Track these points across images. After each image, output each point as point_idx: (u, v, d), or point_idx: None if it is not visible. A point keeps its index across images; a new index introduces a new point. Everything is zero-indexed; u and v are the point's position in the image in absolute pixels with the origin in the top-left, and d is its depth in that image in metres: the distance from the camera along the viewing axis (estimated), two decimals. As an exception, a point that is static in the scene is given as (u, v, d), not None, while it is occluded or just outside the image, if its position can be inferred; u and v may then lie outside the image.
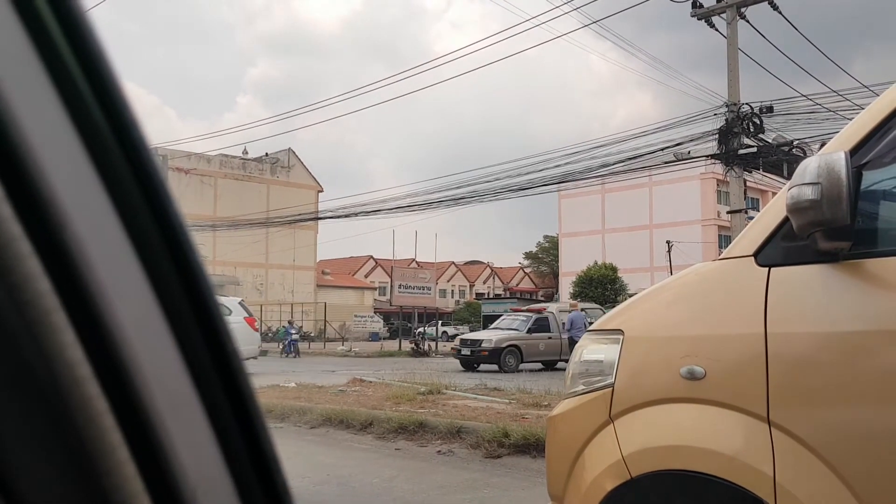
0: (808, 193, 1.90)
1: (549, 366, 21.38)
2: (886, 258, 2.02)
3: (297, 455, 7.00)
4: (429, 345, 33.64)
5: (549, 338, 21.41)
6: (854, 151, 2.02)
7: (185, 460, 0.53)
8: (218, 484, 0.57)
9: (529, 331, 21.26)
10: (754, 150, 16.17)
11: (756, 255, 2.20)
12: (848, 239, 1.95)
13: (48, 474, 0.49)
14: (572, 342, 18.85)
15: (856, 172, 1.96)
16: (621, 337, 2.49)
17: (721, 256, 2.39)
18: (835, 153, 1.93)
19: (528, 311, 23.72)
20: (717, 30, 16.29)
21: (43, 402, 0.47)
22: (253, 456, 0.60)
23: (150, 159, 0.55)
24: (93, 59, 0.52)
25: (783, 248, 2.15)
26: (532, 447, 6.82)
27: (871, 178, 2.12)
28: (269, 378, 14.57)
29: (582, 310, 21.65)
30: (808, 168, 1.94)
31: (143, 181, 0.55)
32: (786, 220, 2.09)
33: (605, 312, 24.88)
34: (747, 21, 16.07)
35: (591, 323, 19.57)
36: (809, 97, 16.50)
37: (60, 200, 0.48)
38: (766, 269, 2.16)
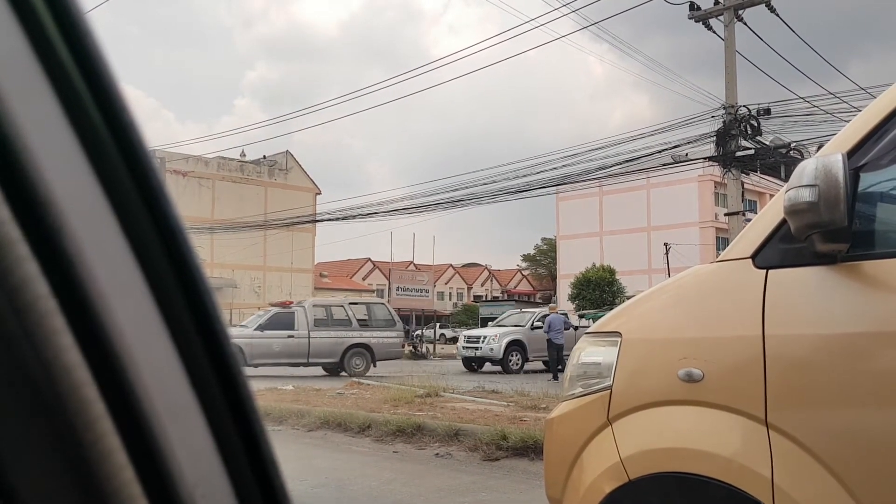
0: (806, 195, 1.90)
1: (333, 372, 18.72)
2: (884, 260, 2.02)
3: (295, 458, 6.99)
4: (426, 347, 33.66)
5: (290, 336, 18.43)
6: (851, 153, 2.02)
7: (184, 463, 0.53)
8: (216, 487, 0.57)
9: (260, 328, 18.41)
10: (752, 152, 16.20)
11: (754, 257, 2.20)
12: (845, 241, 1.96)
13: (46, 478, 0.48)
14: (551, 344, 18.93)
15: (853, 174, 1.96)
16: (619, 339, 2.49)
17: (719, 258, 2.39)
18: (832, 155, 1.94)
19: (278, 304, 20.89)
20: (714, 32, 16.34)
21: (40, 405, 0.47)
22: (251, 458, 0.60)
23: (148, 161, 0.55)
24: (91, 61, 0.52)
25: (781, 250, 2.16)
26: (530, 450, 6.82)
27: (868, 180, 2.12)
28: (266, 381, 14.55)
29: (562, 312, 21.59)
30: (806, 170, 1.94)
31: (142, 183, 0.55)
32: (783, 222, 2.10)
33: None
34: (745, 23, 16.13)
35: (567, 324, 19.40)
36: (807, 99, 16.55)
37: (59, 202, 0.48)
38: (764, 271, 2.16)
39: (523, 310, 26.76)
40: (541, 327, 20.91)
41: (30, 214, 0.47)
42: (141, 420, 0.51)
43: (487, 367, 21.33)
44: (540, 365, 21.96)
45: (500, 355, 20.96)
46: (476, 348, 21.53)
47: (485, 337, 21.68)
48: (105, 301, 0.50)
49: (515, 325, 22.44)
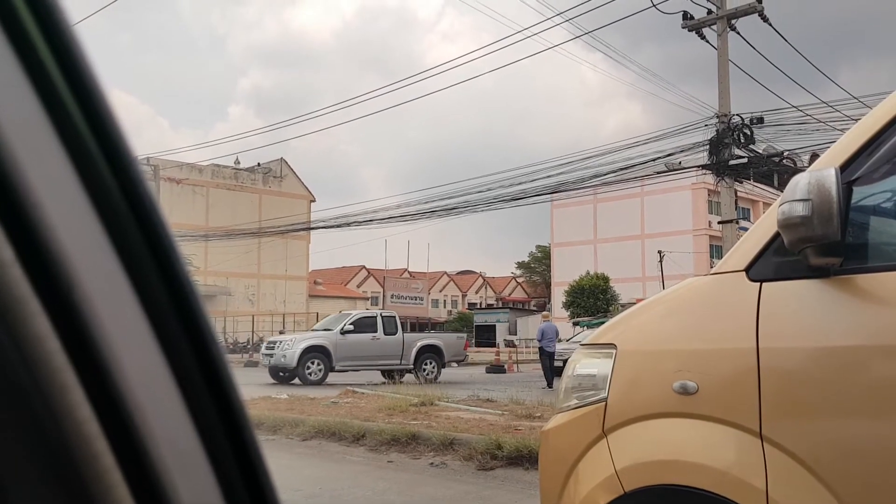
0: (799, 210, 1.91)
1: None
2: (877, 273, 2.03)
3: (288, 468, 6.97)
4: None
5: None
6: (844, 167, 2.03)
7: (175, 473, 0.53)
8: (208, 498, 0.57)
9: None
10: (745, 160, 16.28)
11: (748, 269, 2.21)
12: (839, 254, 1.96)
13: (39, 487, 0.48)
14: (542, 352, 18.64)
15: (846, 188, 1.97)
16: (614, 351, 2.49)
17: (713, 271, 2.40)
18: (825, 169, 1.95)
19: None
20: (707, 41, 16.41)
21: (51, 458, 0.48)
22: (243, 468, 0.60)
23: (140, 182, 0.55)
24: (80, 77, 0.52)
25: (774, 264, 2.17)
26: (525, 459, 6.81)
27: (861, 194, 2.13)
28: (260, 389, 14.51)
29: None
30: (799, 184, 1.95)
31: (134, 203, 0.54)
32: (777, 235, 2.11)
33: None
34: (738, 33, 16.21)
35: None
36: (799, 108, 16.63)
37: (51, 224, 0.48)
38: (758, 283, 2.17)
39: (342, 311, 23.63)
40: (353, 331, 19.26)
41: (22, 235, 0.47)
42: (132, 431, 0.51)
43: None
44: (365, 376, 19.06)
45: (294, 363, 18.11)
46: (272, 355, 18.80)
47: (280, 342, 19.09)
48: (108, 340, 0.50)
49: (325, 329, 19.81)
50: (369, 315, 20.75)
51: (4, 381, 0.46)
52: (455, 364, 21.90)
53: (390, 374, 19.94)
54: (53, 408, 0.47)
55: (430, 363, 20.19)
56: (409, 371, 19.99)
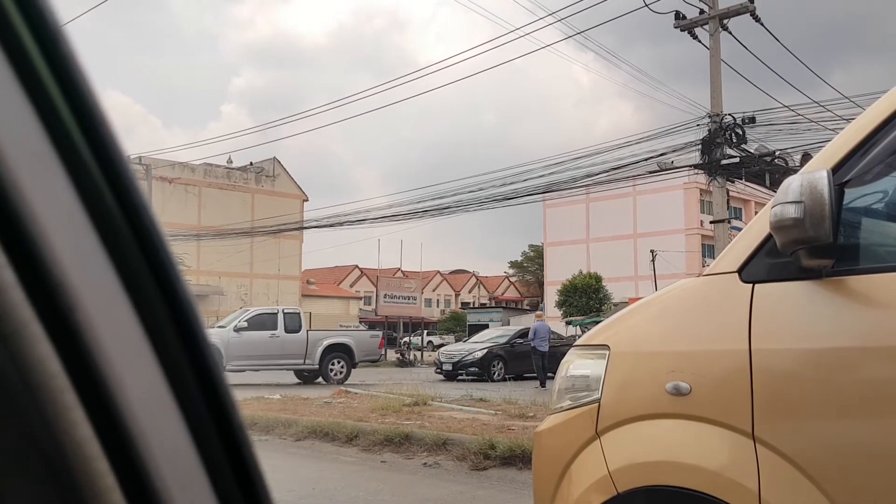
0: (791, 212, 1.92)
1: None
2: (868, 275, 2.04)
3: (281, 468, 6.96)
4: (414, 355, 33.66)
5: None
6: (836, 169, 2.04)
7: (166, 474, 0.53)
8: (200, 500, 0.56)
9: None
10: (737, 160, 16.33)
11: (740, 271, 2.22)
12: (831, 256, 1.97)
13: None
14: (535, 351, 18.65)
15: (838, 190, 1.98)
16: (607, 352, 2.50)
17: (706, 272, 2.41)
18: (817, 172, 1.96)
19: None
20: (699, 41, 16.45)
21: (51, 477, 0.48)
22: (236, 469, 0.59)
23: (137, 195, 0.55)
24: (70, 77, 0.51)
25: (767, 265, 2.17)
26: (518, 459, 6.82)
27: (853, 196, 2.14)
28: (253, 389, 14.48)
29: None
30: (791, 186, 1.95)
31: (133, 221, 0.54)
32: (769, 237, 2.11)
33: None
34: (730, 32, 16.25)
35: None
36: (791, 108, 16.70)
37: (65, 272, 0.47)
38: (751, 285, 2.18)
39: (245, 307, 22.30)
40: (247, 328, 18.03)
41: (20, 252, 0.46)
42: (131, 449, 0.51)
43: None
44: (267, 376, 18.10)
45: None
46: None
47: None
48: (96, 336, 0.49)
49: (220, 327, 18.55)
50: (269, 311, 19.31)
51: (5, 402, 0.46)
52: (369, 364, 20.68)
53: (303, 375, 18.94)
54: (53, 428, 0.47)
55: (339, 363, 18.88)
56: (316, 372, 18.79)
